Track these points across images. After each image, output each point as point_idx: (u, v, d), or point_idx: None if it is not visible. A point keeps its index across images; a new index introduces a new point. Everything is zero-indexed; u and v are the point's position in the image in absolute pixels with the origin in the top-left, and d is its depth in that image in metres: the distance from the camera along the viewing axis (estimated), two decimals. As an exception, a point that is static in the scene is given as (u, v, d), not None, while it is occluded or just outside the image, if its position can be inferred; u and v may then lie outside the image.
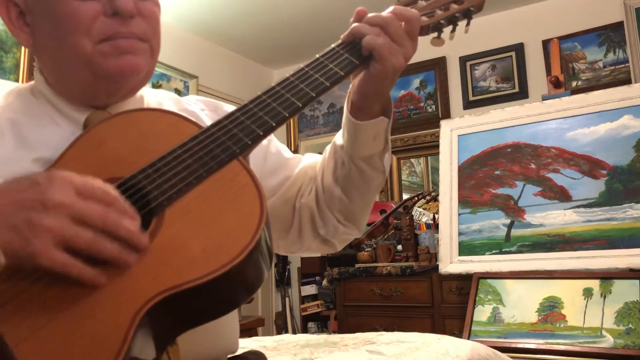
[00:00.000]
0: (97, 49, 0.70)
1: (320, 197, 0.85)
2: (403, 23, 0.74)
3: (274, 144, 0.91)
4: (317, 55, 0.74)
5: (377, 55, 0.72)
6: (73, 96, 0.75)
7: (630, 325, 2.00)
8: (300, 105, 0.69)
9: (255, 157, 0.83)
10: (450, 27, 0.81)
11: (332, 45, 0.76)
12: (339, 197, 0.83)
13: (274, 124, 0.68)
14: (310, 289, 3.74)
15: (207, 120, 0.83)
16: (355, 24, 0.75)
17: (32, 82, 0.80)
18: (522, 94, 3.35)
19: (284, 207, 0.87)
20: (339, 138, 0.83)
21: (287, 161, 0.90)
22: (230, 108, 0.79)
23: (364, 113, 0.78)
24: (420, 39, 0.78)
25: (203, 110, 0.87)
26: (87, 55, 0.70)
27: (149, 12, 0.73)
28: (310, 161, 0.92)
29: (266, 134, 0.67)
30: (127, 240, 0.54)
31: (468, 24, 0.81)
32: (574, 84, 3.21)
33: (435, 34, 0.80)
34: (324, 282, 3.05)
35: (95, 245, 0.53)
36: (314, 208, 0.86)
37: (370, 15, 0.75)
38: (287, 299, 3.83)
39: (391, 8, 0.75)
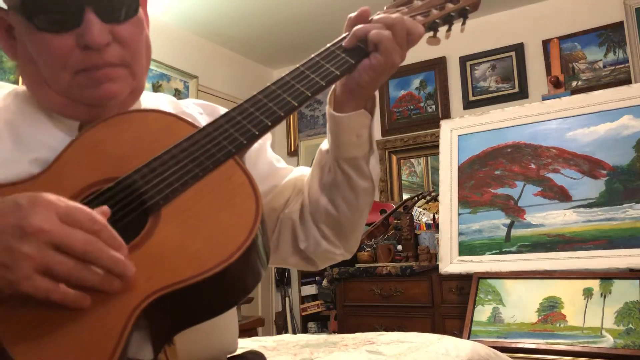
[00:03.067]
0: (74, 81, 0.70)
1: (306, 209, 0.84)
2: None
3: (266, 151, 0.90)
4: (312, 55, 0.74)
5: (382, 47, 0.71)
6: (56, 111, 0.75)
7: (630, 325, 2.00)
8: (296, 104, 0.69)
9: (246, 163, 0.83)
10: (446, 27, 0.81)
11: (328, 45, 0.76)
12: (325, 207, 0.81)
13: (269, 124, 0.68)
14: (310, 289, 3.74)
15: (203, 123, 0.83)
16: (358, 26, 0.74)
17: None
18: (522, 94, 3.35)
19: (268, 216, 0.85)
20: (324, 144, 0.82)
21: (277, 170, 0.89)
22: None
23: (347, 109, 0.77)
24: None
25: (201, 114, 0.87)
26: (65, 86, 0.70)
27: (126, 35, 0.71)
28: (301, 173, 0.90)
29: (262, 133, 0.68)
30: (110, 270, 0.53)
31: (464, 23, 0.81)
32: (574, 84, 3.21)
33: (431, 33, 0.81)
34: (324, 282, 3.04)
35: (75, 273, 0.52)
36: (297, 220, 0.85)
37: (378, 16, 0.75)
38: (287, 299, 3.83)
39: (397, 15, 0.75)
